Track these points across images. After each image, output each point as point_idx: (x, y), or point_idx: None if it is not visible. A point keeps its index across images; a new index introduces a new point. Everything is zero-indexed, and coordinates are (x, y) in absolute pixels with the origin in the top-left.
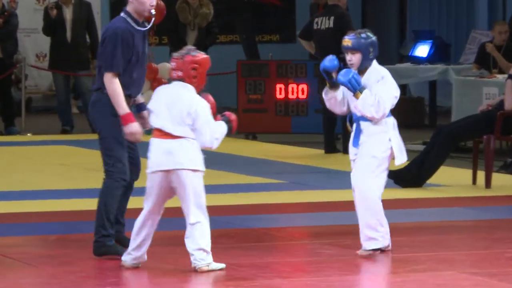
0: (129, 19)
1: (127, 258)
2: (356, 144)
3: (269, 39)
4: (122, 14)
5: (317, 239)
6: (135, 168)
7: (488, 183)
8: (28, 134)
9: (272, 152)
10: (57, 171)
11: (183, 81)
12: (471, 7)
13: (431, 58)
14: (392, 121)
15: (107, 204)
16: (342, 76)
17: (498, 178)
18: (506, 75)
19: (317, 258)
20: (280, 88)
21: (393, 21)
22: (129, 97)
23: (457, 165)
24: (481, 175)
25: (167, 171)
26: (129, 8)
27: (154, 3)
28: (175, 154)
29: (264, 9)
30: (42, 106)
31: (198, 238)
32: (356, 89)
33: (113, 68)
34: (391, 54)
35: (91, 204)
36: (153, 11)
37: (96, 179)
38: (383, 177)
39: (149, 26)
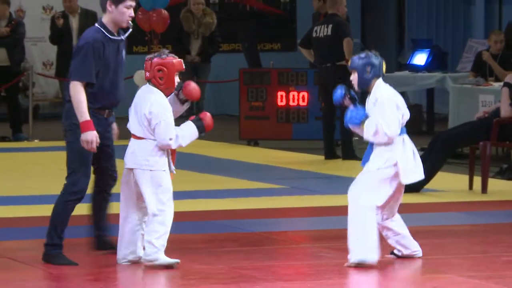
0: (103, 29)
1: (120, 255)
2: (363, 162)
3: (271, 48)
4: (96, 24)
5: (318, 243)
6: (110, 177)
7: (484, 188)
8: (36, 140)
9: (274, 158)
10: (63, 176)
11: (150, 83)
12: (467, 17)
13: (429, 66)
14: (399, 139)
15: (56, 215)
16: (346, 120)
17: (494, 183)
18: (501, 83)
19: (318, 262)
20: (281, 96)
21: (392, 31)
22: (101, 109)
23: (454, 170)
24: (477, 180)
25: (130, 169)
26: (105, 19)
27: (133, 14)
28: (136, 154)
29: (266, 18)
30: (49, 113)
31: (151, 231)
32: (358, 124)
33: (80, 77)
34: (390, 62)
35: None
36: (130, 23)
37: None
38: (378, 192)
39: (126, 35)
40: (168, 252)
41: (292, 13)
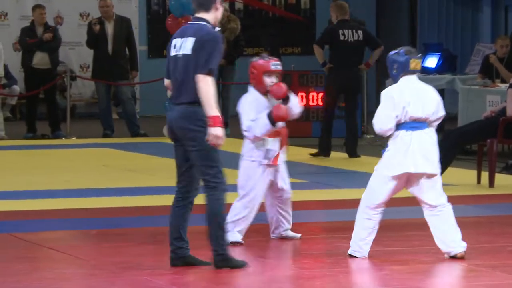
0: (210, 26)
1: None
2: None
3: (292, 52)
4: (204, 23)
5: (336, 234)
6: (195, 184)
7: (491, 183)
8: (73, 138)
9: (294, 154)
10: (99, 171)
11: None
12: (476, 22)
13: (439, 69)
14: (395, 135)
15: (221, 216)
16: None
17: (501, 178)
18: (507, 84)
19: (335, 251)
20: (302, 96)
21: (405, 35)
22: None
23: (463, 166)
24: (485, 175)
25: None
26: (209, 17)
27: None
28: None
29: (287, 24)
30: (85, 113)
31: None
32: None
33: (209, 66)
34: None
35: (130, 201)
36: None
37: (134, 179)
38: (376, 191)
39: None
40: (197, 242)
41: (311, 19)
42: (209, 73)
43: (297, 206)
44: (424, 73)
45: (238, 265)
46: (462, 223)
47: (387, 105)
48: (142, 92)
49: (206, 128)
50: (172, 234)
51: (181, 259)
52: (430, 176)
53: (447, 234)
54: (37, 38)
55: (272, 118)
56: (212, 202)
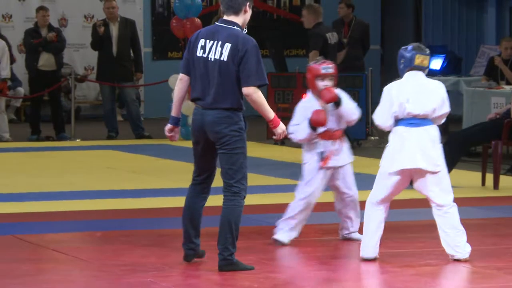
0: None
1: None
2: None
3: (296, 54)
4: (236, 27)
5: (335, 236)
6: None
7: (496, 185)
8: (77, 140)
9: (299, 156)
10: (103, 173)
11: None
12: (480, 24)
13: (444, 71)
14: (393, 130)
15: (236, 222)
16: None
17: (505, 180)
18: None
19: (339, 254)
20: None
21: (410, 37)
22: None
23: (467, 168)
24: (489, 177)
25: None
26: (239, 20)
27: None
28: None
29: (292, 26)
30: (90, 115)
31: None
32: None
33: (263, 80)
34: None
35: (135, 203)
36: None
37: (138, 181)
38: (377, 188)
39: None
40: (205, 244)
41: None
42: (259, 84)
43: None
44: (429, 75)
45: (244, 269)
46: (467, 225)
47: (385, 101)
48: (147, 94)
49: (240, 133)
50: (193, 232)
51: (197, 255)
52: (432, 173)
53: (452, 237)
54: (41, 38)
55: (310, 123)
56: (230, 206)
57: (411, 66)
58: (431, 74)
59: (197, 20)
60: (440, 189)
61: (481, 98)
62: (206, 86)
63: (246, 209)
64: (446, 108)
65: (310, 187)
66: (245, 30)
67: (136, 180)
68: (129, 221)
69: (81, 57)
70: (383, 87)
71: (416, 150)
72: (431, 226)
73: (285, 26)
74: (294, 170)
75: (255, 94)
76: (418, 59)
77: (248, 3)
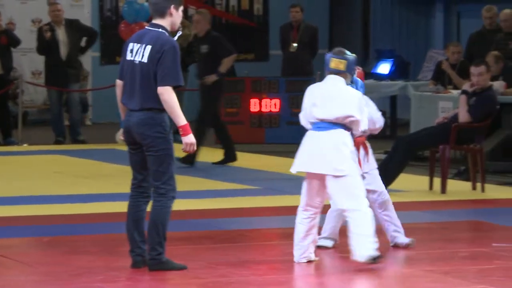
0: (167, 34)
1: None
2: None
3: (245, 58)
4: (161, 30)
5: (289, 240)
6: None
7: (443, 189)
8: (25, 145)
9: (247, 161)
10: (51, 178)
11: None
12: (428, 29)
13: (392, 75)
14: (306, 133)
15: (163, 222)
16: None
17: (453, 184)
18: (459, 91)
19: (289, 258)
20: (255, 102)
21: (358, 41)
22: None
23: (415, 172)
24: (437, 181)
25: None
26: (165, 22)
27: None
28: None
29: (240, 30)
30: (37, 119)
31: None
32: None
33: (175, 81)
34: None
35: (82, 208)
36: (180, 26)
37: (86, 186)
38: (301, 193)
39: (176, 37)
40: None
41: (264, 25)
42: (173, 85)
43: (251, 212)
44: (377, 79)
45: (175, 268)
46: (414, 229)
47: (303, 104)
48: (95, 99)
49: (164, 134)
50: (139, 237)
51: (144, 261)
52: (334, 177)
53: (354, 241)
54: None
55: None
56: (157, 207)
57: (328, 69)
58: (380, 78)
59: (146, 24)
60: (345, 193)
61: (428, 102)
62: (132, 88)
63: (195, 214)
64: (356, 113)
65: None
66: (179, 32)
67: (83, 185)
68: (76, 226)
69: (28, 61)
70: None
71: (314, 154)
72: (382, 231)
73: (234, 30)
74: (243, 175)
75: (166, 94)
76: (333, 63)
77: (172, 6)
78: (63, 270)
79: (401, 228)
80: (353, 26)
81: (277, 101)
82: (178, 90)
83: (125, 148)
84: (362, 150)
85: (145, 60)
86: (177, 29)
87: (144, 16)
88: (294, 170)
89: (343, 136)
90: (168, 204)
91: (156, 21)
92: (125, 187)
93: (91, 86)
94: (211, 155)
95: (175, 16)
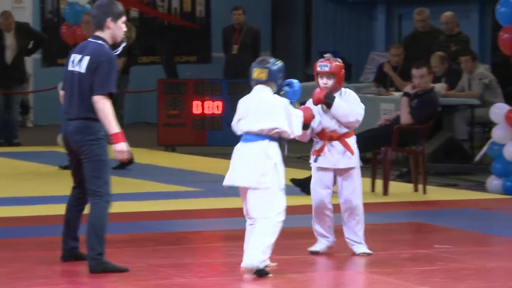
0: (107, 46)
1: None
2: None
3: (187, 60)
4: (100, 41)
5: (231, 242)
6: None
7: (385, 191)
8: None
9: (190, 163)
10: None
11: None
12: (370, 31)
13: None
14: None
15: (100, 224)
16: None
17: (395, 186)
18: (401, 93)
19: (231, 260)
20: (197, 105)
21: (300, 43)
22: None
23: None
24: (379, 183)
25: None
26: (104, 34)
27: (125, 28)
28: None
29: (183, 32)
30: None
31: None
32: None
33: (108, 90)
34: (298, 73)
35: (23, 210)
36: (124, 37)
37: (27, 188)
38: None
39: (120, 49)
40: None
41: (207, 27)
42: (107, 95)
43: (193, 214)
44: None
45: (115, 270)
46: None
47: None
48: (36, 101)
49: (99, 142)
50: (69, 234)
51: (74, 256)
52: (254, 188)
53: (246, 248)
54: None
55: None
56: (94, 210)
57: (252, 80)
58: None
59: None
60: (260, 205)
61: (370, 104)
62: (71, 98)
63: (137, 216)
64: (279, 125)
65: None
66: (123, 44)
67: (25, 188)
68: (17, 229)
69: None
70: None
71: (240, 167)
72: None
73: (176, 32)
74: (185, 177)
75: (100, 103)
76: (255, 73)
77: (109, 18)
78: (3, 273)
79: (361, 237)
80: (295, 28)
81: (219, 103)
82: (120, 92)
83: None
84: (341, 146)
85: (83, 70)
86: (120, 40)
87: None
88: (224, 184)
89: (267, 148)
90: (105, 206)
91: (97, 33)
92: (66, 190)
93: (32, 88)
94: (150, 157)
95: (114, 28)
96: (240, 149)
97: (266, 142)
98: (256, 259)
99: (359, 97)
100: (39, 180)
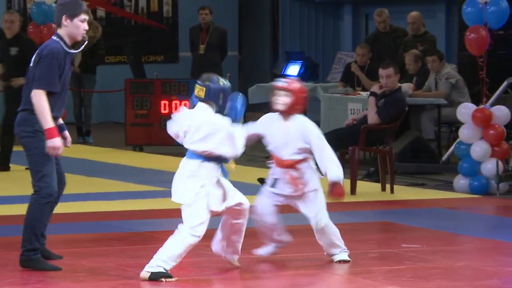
0: (61, 42)
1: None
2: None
3: (154, 60)
4: (54, 37)
5: (199, 241)
6: (61, 184)
7: (353, 190)
8: None
9: (157, 162)
10: None
11: None
12: (337, 31)
13: (301, 77)
14: None
15: (34, 219)
16: None
17: (362, 185)
18: (368, 93)
19: (199, 259)
20: (165, 104)
21: (267, 43)
22: (54, 119)
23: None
24: (347, 183)
25: None
26: (61, 31)
27: (87, 27)
28: None
29: (150, 32)
30: None
31: None
32: None
33: (46, 86)
34: (265, 73)
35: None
36: (85, 36)
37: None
38: None
39: (81, 48)
40: (56, 250)
41: (174, 27)
42: (44, 89)
43: (161, 214)
44: None
45: (44, 268)
46: None
47: None
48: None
49: (36, 134)
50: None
51: (41, 254)
52: (183, 204)
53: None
54: None
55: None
56: (31, 206)
57: (193, 96)
58: None
59: (54, 27)
60: (184, 218)
61: (338, 104)
62: (24, 91)
63: (105, 216)
64: (212, 150)
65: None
66: (85, 42)
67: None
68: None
69: None
70: (241, 93)
71: (175, 183)
72: (291, 232)
73: (143, 32)
74: (152, 177)
75: (36, 97)
76: (196, 89)
77: (64, 16)
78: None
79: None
80: (262, 28)
81: (187, 103)
82: (85, 92)
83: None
84: (294, 172)
85: (31, 64)
86: (80, 39)
87: (53, 17)
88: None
89: (195, 167)
90: (41, 201)
91: (57, 30)
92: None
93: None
94: (119, 157)
95: (70, 26)
96: (181, 164)
97: (196, 161)
98: (154, 266)
99: (327, 97)
100: (4, 180)
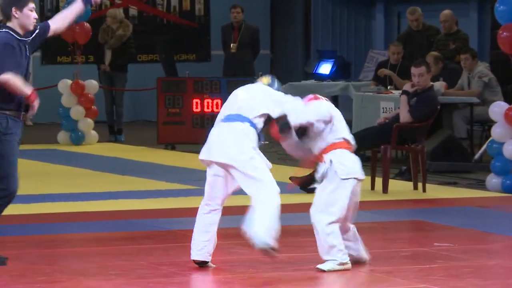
0: (11, 32)
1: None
2: None
3: (186, 58)
4: (2, 30)
5: (230, 240)
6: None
7: (385, 189)
8: None
9: (190, 161)
10: None
11: None
12: (369, 29)
13: (333, 75)
14: None
15: None
16: None
17: (394, 184)
18: (400, 91)
19: (231, 257)
20: (197, 103)
21: (299, 42)
22: (18, 111)
23: None
24: (378, 181)
25: None
26: (11, 24)
27: (36, 16)
28: None
29: (182, 31)
30: None
31: None
32: None
33: (2, 71)
34: (297, 71)
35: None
36: (37, 24)
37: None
38: None
39: (33, 36)
40: (87, 249)
41: (206, 26)
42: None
43: (193, 212)
44: (318, 80)
45: None
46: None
47: None
48: None
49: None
50: None
51: None
52: (233, 167)
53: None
54: None
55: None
56: None
57: None
58: (321, 79)
59: (86, 25)
60: (250, 183)
61: (370, 102)
62: None
63: (138, 214)
64: (265, 110)
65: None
66: (37, 31)
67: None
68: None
69: None
70: None
71: (216, 143)
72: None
73: (175, 31)
74: (185, 175)
75: (1, 80)
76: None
77: (14, 8)
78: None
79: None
80: (294, 26)
81: (219, 101)
82: (116, 91)
83: (66, 148)
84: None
85: None
86: (32, 28)
87: (85, 16)
88: (199, 158)
89: (247, 128)
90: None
91: (7, 23)
92: (68, 187)
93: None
94: (151, 155)
95: (20, 17)
96: (216, 127)
97: (245, 123)
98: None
99: (359, 95)
100: (38, 178)
